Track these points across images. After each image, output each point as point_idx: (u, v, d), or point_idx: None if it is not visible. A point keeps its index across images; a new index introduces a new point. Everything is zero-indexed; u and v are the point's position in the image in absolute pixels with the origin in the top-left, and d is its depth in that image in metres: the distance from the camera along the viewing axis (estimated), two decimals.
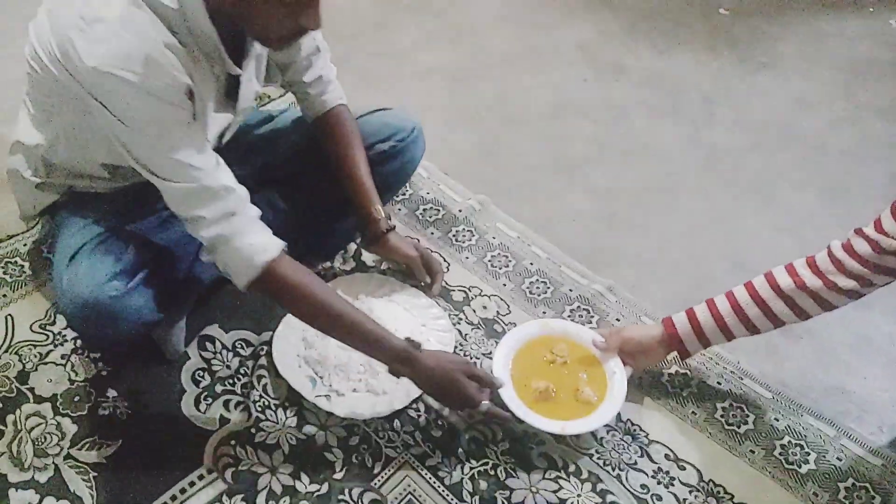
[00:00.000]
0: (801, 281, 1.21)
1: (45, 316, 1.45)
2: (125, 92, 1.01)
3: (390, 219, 1.47)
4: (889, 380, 1.46)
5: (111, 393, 1.33)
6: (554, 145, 2.02)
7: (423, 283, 1.52)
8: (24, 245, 1.58)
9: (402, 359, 1.21)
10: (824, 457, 1.32)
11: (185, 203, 1.12)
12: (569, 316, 1.52)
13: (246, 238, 1.14)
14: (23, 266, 1.54)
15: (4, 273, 1.52)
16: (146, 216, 1.33)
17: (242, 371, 1.38)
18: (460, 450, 1.30)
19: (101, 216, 1.28)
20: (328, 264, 1.58)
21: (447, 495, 1.24)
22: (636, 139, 2.06)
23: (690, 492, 1.27)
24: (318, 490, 1.22)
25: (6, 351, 1.39)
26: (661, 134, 2.08)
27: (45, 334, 1.42)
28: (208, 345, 1.41)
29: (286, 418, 1.32)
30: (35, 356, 1.38)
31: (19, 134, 1.29)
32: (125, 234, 1.27)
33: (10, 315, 1.44)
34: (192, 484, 1.22)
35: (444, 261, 1.61)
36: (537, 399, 1.32)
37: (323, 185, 1.49)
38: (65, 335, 1.41)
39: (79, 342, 1.39)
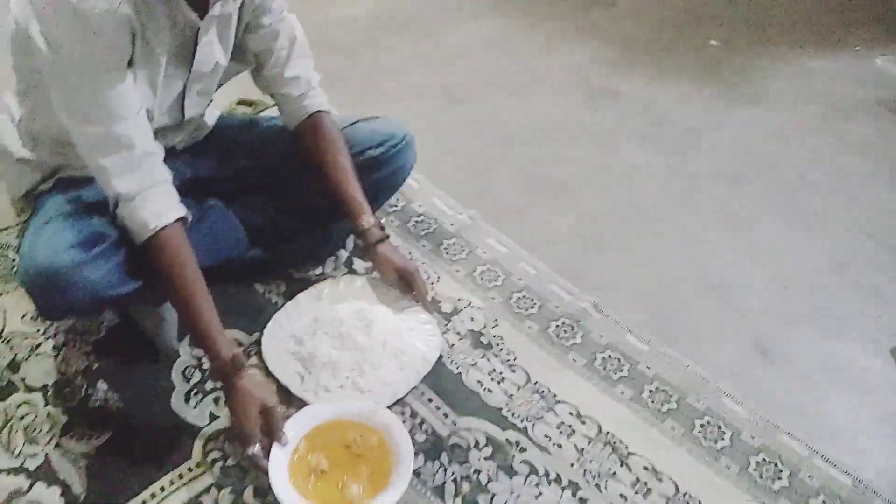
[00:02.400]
0: None
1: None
2: (58, 11, 1.02)
3: (383, 228, 1.47)
4: (860, 405, 1.51)
5: (102, 385, 1.35)
6: (542, 166, 2.08)
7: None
8: (17, 237, 1.59)
9: (218, 368, 1.20)
10: (796, 475, 1.36)
11: (93, 150, 1.12)
12: (553, 331, 1.56)
13: (148, 201, 1.15)
14: (14, 260, 1.55)
15: None
16: None
17: None
18: (444, 454, 1.33)
19: (80, 195, 1.27)
20: (319, 270, 1.61)
21: (431, 497, 1.27)
22: (622, 164, 2.13)
23: (667, 502, 1.30)
24: None
25: None
26: (647, 160, 2.15)
27: (37, 326, 1.43)
28: None
29: None
30: (27, 347, 1.40)
31: (10, 110, 1.31)
32: (99, 207, 1.23)
33: (1, 307, 1.46)
34: (180, 476, 1.24)
35: (434, 273, 1.64)
36: (304, 475, 1.22)
37: (311, 190, 1.49)
38: (57, 327, 1.43)
39: (70, 335, 1.41)
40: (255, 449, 1.19)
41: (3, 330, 1.42)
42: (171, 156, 1.26)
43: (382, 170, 1.53)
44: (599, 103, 2.38)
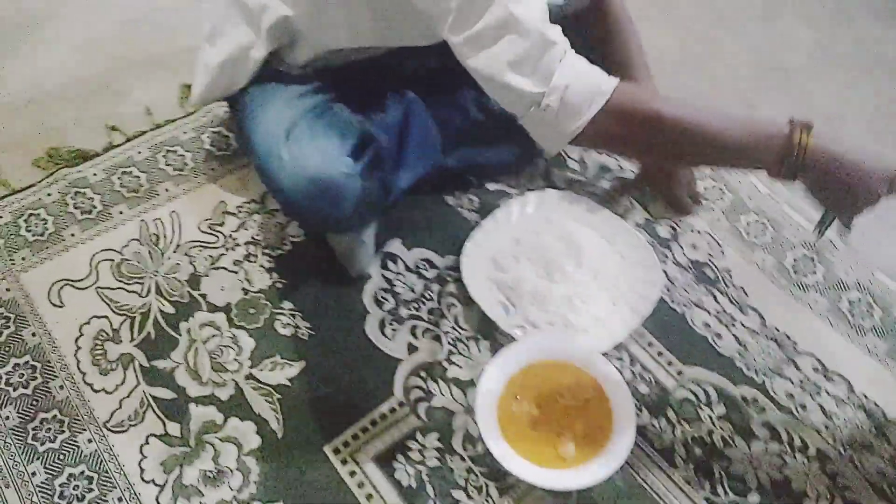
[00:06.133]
0: None
1: (213, 215, 1.33)
2: None
3: None
4: None
5: (287, 305, 1.22)
6: (766, 54, 1.73)
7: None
8: (185, 133, 1.45)
9: (785, 147, 0.92)
10: None
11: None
12: (792, 265, 1.32)
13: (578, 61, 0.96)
14: (184, 157, 1.41)
15: (166, 164, 1.40)
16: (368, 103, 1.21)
17: (427, 295, 1.25)
18: (670, 410, 1.15)
19: (310, 90, 1.18)
20: (513, 182, 1.40)
21: (658, 460, 1.11)
22: (861, 48, 1.75)
23: None
24: None
25: (175, 251, 1.28)
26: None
27: (215, 235, 1.31)
28: (390, 264, 1.28)
29: (479, 352, 1.19)
30: (206, 259, 1.27)
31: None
32: (345, 110, 1.17)
33: (174, 212, 1.33)
34: (383, 417, 1.12)
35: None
36: (513, 421, 1.09)
37: None
38: (236, 239, 1.30)
39: (250, 248, 1.28)
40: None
41: (179, 238, 1.30)
42: None
43: None
44: None
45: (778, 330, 1.24)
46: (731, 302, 1.27)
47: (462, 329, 1.21)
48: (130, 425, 1.10)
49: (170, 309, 1.22)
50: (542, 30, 0.94)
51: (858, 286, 1.30)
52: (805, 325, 1.26)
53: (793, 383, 1.19)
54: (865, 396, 1.18)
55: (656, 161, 1.29)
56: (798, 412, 1.16)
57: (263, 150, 1.14)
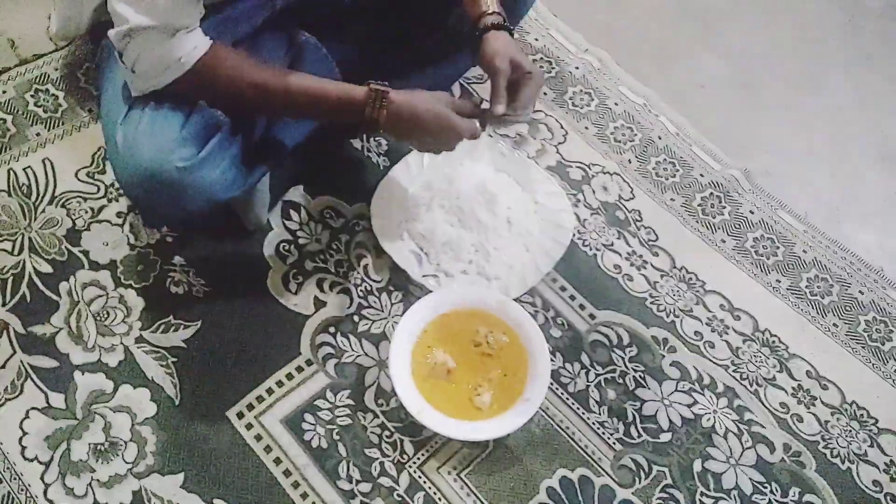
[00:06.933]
0: None
1: (92, 163, 1.21)
2: None
3: (506, 21, 1.08)
4: None
5: (179, 260, 1.13)
6: None
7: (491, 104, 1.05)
8: (55, 69, 1.30)
9: (366, 112, 0.99)
10: None
11: None
12: (699, 205, 1.32)
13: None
14: (57, 97, 1.27)
15: (36, 104, 1.25)
16: None
17: (335, 246, 1.18)
18: (584, 354, 1.15)
19: None
20: None
21: (572, 404, 1.10)
22: None
23: (832, 413, 1.15)
24: None
25: (50, 203, 1.16)
26: None
27: (95, 185, 1.19)
28: (293, 213, 1.20)
29: (391, 304, 1.14)
30: (85, 212, 1.16)
31: None
32: None
33: (47, 159, 1.20)
34: (289, 376, 1.06)
35: (562, 128, 1.37)
36: (428, 373, 1.07)
37: (417, 20, 1.22)
38: (119, 188, 1.18)
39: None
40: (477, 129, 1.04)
41: (54, 189, 1.17)
42: None
43: None
44: None
45: (687, 270, 1.25)
46: (641, 244, 1.27)
47: (373, 280, 1.16)
48: (7, 399, 1.01)
49: (46, 268, 1.10)
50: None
51: (763, 225, 1.32)
52: (712, 264, 1.27)
53: (701, 322, 1.20)
54: (769, 332, 1.21)
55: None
56: (706, 350, 1.18)
57: (105, 125, 1.02)
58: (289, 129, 1.11)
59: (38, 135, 1.22)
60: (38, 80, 1.28)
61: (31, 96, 1.26)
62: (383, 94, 0.98)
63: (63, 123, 1.24)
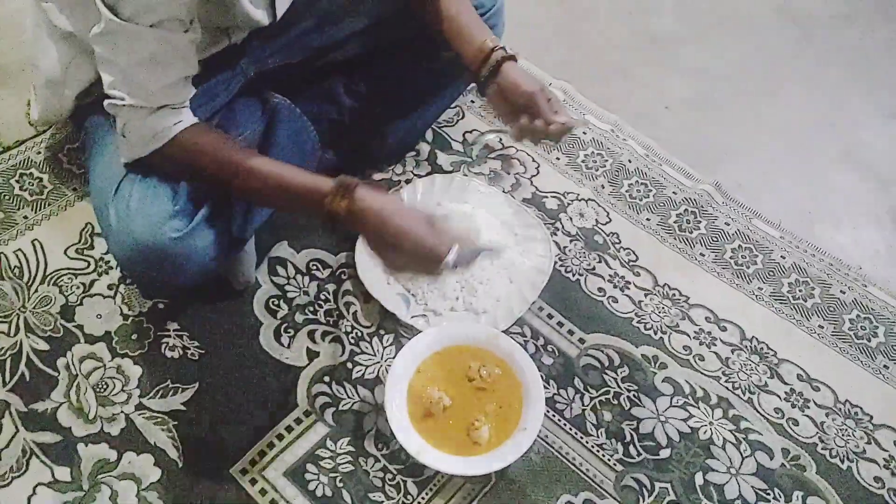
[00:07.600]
0: None
1: (80, 239, 1.24)
2: None
3: (507, 50, 1.11)
4: None
5: (172, 326, 1.15)
6: (638, 19, 1.76)
7: (549, 124, 1.08)
8: (38, 153, 1.34)
9: (331, 207, 0.93)
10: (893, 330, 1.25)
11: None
12: (675, 222, 1.36)
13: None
14: (41, 179, 1.30)
15: (21, 188, 1.29)
16: None
17: (323, 297, 1.20)
18: (577, 379, 1.16)
19: None
20: (400, 169, 1.37)
21: (570, 429, 1.12)
22: (727, 8, 1.80)
23: (827, 414, 1.16)
24: None
25: (42, 282, 1.18)
26: (753, 2, 1.82)
27: (85, 261, 1.22)
28: (279, 269, 1.23)
29: (383, 348, 1.16)
30: (77, 287, 1.18)
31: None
32: None
33: (36, 240, 1.23)
34: (289, 429, 1.08)
35: (533, 161, 1.41)
36: (424, 413, 1.08)
37: (393, 70, 1.27)
38: (108, 261, 1.21)
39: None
40: (452, 255, 0.93)
41: (45, 268, 1.20)
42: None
43: None
44: None
45: (670, 287, 1.28)
46: (622, 265, 1.29)
47: (363, 326, 1.18)
48: (14, 477, 1.01)
49: (43, 346, 1.12)
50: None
51: (740, 235, 1.35)
52: (694, 278, 1.29)
53: (689, 337, 1.22)
54: (757, 340, 1.23)
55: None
56: (697, 364, 1.19)
57: (96, 204, 1.04)
58: None
59: (25, 217, 1.25)
60: (21, 164, 1.32)
61: (16, 181, 1.29)
62: (350, 187, 0.93)
63: (49, 204, 1.27)
